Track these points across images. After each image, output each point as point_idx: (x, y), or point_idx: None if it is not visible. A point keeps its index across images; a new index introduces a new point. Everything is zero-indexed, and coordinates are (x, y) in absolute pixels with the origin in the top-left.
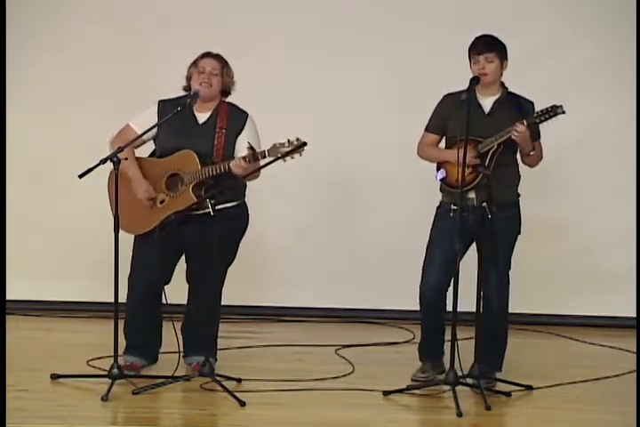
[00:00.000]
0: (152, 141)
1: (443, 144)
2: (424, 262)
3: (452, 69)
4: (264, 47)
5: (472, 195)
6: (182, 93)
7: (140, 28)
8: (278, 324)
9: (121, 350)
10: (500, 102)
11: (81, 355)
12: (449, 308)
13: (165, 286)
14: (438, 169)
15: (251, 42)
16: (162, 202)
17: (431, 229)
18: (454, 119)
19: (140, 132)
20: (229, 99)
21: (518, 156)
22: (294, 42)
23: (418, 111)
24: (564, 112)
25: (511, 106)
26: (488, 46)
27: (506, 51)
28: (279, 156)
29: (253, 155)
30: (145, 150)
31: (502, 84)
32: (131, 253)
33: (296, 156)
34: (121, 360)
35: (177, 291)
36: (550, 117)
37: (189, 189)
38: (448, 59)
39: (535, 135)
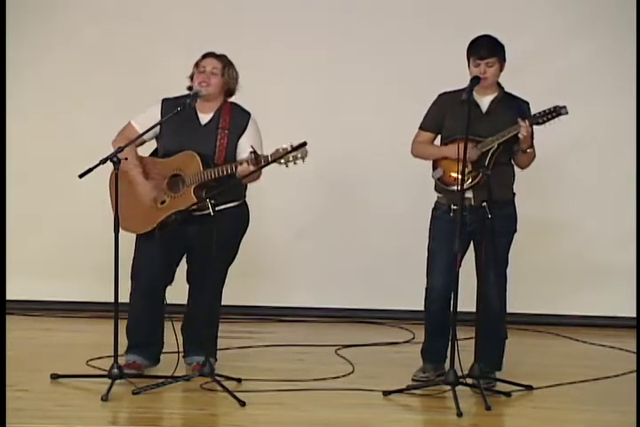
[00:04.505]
0: (154, 140)
1: (436, 143)
2: (428, 266)
3: (452, 71)
4: (264, 48)
5: (469, 194)
6: (186, 92)
7: (140, 28)
8: (278, 324)
9: (122, 349)
10: (498, 102)
11: (81, 355)
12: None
13: (167, 287)
14: (434, 168)
15: (251, 43)
16: (163, 202)
17: (430, 231)
18: (451, 118)
19: (141, 131)
20: (233, 99)
21: None
22: (295, 43)
23: (418, 113)
24: (567, 113)
25: (508, 105)
26: (491, 52)
27: (505, 52)
28: (282, 161)
29: (256, 159)
30: (146, 149)
31: (498, 83)
32: (130, 253)
33: (299, 162)
34: (122, 360)
35: (177, 291)
36: (553, 118)
37: (191, 191)
38: (448, 61)
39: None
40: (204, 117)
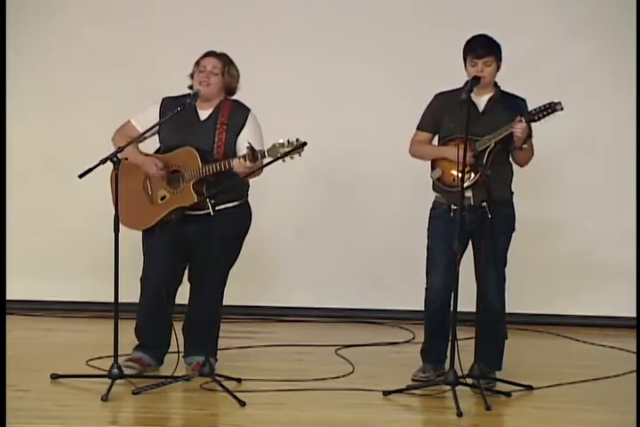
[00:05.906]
0: (155, 138)
1: (434, 143)
2: (427, 266)
3: (452, 71)
4: (264, 48)
5: (469, 194)
6: (186, 91)
7: (140, 27)
8: (278, 324)
9: (122, 349)
10: (494, 101)
11: (81, 355)
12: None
13: (178, 288)
14: (433, 168)
15: (251, 43)
16: (163, 198)
17: (428, 231)
18: (448, 118)
19: (140, 130)
20: (235, 97)
21: None
22: (295, 43)
23: (418, 113)
24: (562, 109)
25: (505, 104)
26: (488, 50)
27: (501, 52)
28: (279, 156)
29: (253, 154)
30: (151, 146)
31: (495, 83)
32: (130, 253)
33: (295, 156)
34: (123, 359)
35: (178, 291)
36: (549, 114)
37: (190, 186)
38: (448, 61)
39: (529, 133)
40: (204, 114)
